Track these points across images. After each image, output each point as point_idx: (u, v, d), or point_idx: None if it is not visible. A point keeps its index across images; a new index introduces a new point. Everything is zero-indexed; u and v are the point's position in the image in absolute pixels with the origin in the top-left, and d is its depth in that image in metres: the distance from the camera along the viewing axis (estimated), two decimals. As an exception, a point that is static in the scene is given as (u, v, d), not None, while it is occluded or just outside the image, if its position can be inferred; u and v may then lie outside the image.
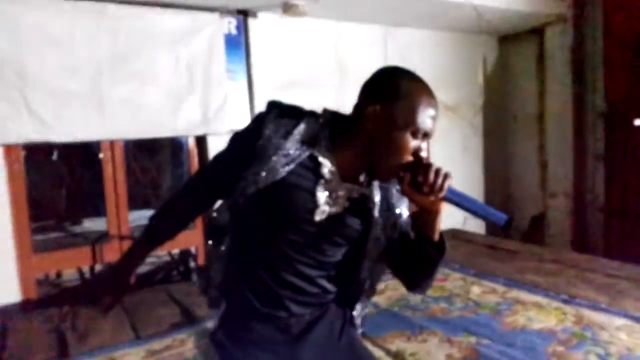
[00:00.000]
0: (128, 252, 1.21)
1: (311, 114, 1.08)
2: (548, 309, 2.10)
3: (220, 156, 1.14)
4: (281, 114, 1.06)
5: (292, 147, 1.03)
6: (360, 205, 1.09)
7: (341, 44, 4.01)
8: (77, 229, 4.89)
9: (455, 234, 3.69)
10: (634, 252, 3.67)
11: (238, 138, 1.11)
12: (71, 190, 5.27)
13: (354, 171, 1.07)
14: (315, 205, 1.04)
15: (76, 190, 5.36)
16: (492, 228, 4.87)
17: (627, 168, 4.09)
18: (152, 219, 1.20)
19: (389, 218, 1.12)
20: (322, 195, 1.04)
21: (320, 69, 3.87)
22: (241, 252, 1.12)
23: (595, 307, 2.10)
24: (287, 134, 1.03)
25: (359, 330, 1.27)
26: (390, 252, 1.15)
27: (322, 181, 1.04)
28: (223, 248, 1.21)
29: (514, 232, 4.86)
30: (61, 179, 5.16)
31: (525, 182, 4.97)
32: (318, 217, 1.04)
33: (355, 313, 1.23)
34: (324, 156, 1.05)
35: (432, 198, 1.00)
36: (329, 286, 1.15)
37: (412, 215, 1.16)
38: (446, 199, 1.01)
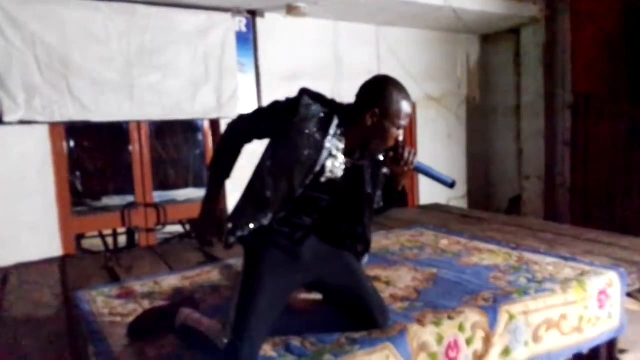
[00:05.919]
0: (205, 198, 1.70)
1: (330, 105, 1.62)
2: (498, 253, 2.63)
3: (261, 112, 1.65)
4: (310, 100, 1.57)
5: (323, 136, 1.56)
6: (352, 172, 1.67)
7: (338, 41, 4.46)
8: (97, 204, 5.47)
9: (437, 207, 4.22)
10: (593, 226, 4.19)
11: (279, 107, 1.60)
12: (88, 173, 5.89)
13: (352, 149, 1.65)
14: (323, 171, 1.60)
15: (94, 172, 6.00)
16: (474, 204, 5.42)
17: (589, 153, 4.63)
18: (211, 166, 1.71)
19: (375, 179, 1.73)
20: (329, 165, 1.60)
21: (320, 62, 4.33)
22: None
23: (535, 252, 2.63)
24: (318, 126, 1.56)
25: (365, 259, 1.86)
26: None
27: (331, 157, 1.59)
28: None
29: (494, 211, 5.39)
30: (77, 162, 5.71)
31: (503, 166, 5.47)
32: (323, 179, 1.61)
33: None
34: (338, 140, 1.61)
35: (405, 169, 1.62)
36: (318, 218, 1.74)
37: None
38: (414, 168, 1.63)
